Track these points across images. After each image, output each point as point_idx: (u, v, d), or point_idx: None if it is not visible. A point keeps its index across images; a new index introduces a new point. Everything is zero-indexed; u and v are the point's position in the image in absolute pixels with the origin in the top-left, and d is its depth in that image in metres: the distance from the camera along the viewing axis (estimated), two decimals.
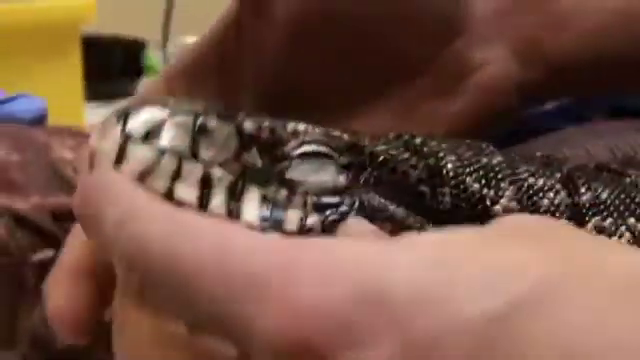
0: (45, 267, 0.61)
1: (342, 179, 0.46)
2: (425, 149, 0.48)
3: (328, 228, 0.44)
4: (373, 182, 0.46)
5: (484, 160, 0.48)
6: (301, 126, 0.46)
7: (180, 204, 0.42)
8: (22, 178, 0.64)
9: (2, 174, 0.63)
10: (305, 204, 0.45)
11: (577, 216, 0.48)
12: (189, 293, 0.31)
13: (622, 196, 0.50)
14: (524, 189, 0.48)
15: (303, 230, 0.44)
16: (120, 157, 0.42)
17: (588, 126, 0.68)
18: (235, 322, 0.30)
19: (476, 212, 0.46)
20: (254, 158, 0.45)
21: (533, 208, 0.47)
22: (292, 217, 0.44)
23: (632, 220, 0.49)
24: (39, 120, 0.81)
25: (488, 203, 0.47)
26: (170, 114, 0.44)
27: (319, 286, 0.30)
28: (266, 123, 0.46)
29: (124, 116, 0.43)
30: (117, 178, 0.39)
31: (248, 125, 0.45)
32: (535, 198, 0.47)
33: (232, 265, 0.31)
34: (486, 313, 0.28)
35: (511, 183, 0.47)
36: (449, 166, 0.47)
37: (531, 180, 0.48)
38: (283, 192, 0.45)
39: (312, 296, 0.29)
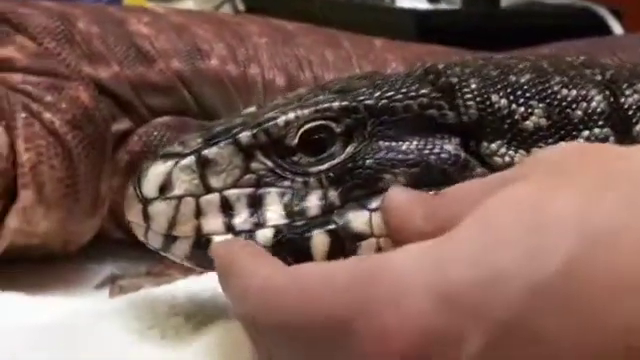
0: (122, 137, 0.63)
1: (349, 148, 0.48)
2: (446, 74, 0.49)
3: (347, 196, 0.47)
4: (378, 132, 0.48)
5: (512, 78, 0.49)
6: (291, 114, 0.48)
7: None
8: (103, 49, 0.66)
9: (85, 44, 0.65)
10: (321, 182, 0.47)
11: (620, 121, 0.49)
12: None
13: None
14: (555, 104, 0.48)
15: (326, 209, 0.47)
16: (146, 219, 0.47)
17: None
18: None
19: (504, 126, 0.48)
20: (263, 163, 0.48)
21: (566, 121, 0.48)
22: (313, 200, 0.47)
23: None
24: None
25: (517, 118, 0.48)
26: (174, 163, 0.48)
27: (396, 309, 0.32)
28: (258, 128, 0.48)
29: (137, 181, 0.47)
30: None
31: (244, 138, 0.48)
32: (568, 110, 0.48)
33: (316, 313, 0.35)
34: (538, 283, 0.31)
35: (541, 100, 0.48)
36: (472, 86, 0.48)
37: (564, 92, 0.49)
38: (299, 180, 0.48)
39: (394, 320, 0.32)
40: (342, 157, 0.47)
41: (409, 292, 0.32)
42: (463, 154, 0.48)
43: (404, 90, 0.49)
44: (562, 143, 0.47)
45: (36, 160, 0.58)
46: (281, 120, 0.48)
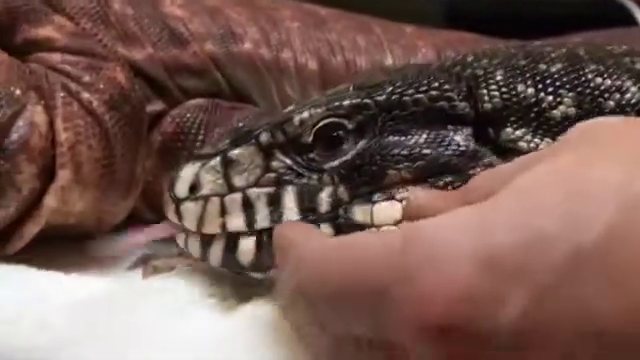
0: (155, 119, 0.64)
1: (360, 144, 0.49)
2: (472, 66, 0.50)
3: (355, 192, 0.48)
4: (389, 127, 0.49)
5: (542, 67, 0.49)
6: (305, 113, 0.50)
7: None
8: (137, 30, 0.66)
9: (119, 26, 0.65)
10: (333, 179, 0.49)
11: None
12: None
13: None
14: (587, 92, 0.48)
15: (335, 204, 0.49)
16: (179, 217, 0.51)
17: None
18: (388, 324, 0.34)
19: (530, 114, 0.48)
20: (282, 161, 0.50)
21: (597, 110, 0.48)
22: (324, 197, 0.49)
23: None
24: None
25: (545, 106, 0.48)
26: (201, 165, 0.51)
27: (436, 274, 0.33)
28: (275, 127, 0.50)
29: (171, 182, 0.51)
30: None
31: (263, 138, 0.50)
32: (600, 99, 0.48)
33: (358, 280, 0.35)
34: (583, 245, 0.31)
35: (571, 89, 0.49)
36: (498, 77, 0.49)
37: (598, 80, 0.49)
38: (314, 177, 0.49)
39: (433, 285, 0.33)
40: (352, 153, 0.49)
41: (449, 257, 0.33)
42: (472, 144, 0.48)
43: (415, 84, 0.49)
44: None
45: (74, 140, 0.58)
46: (296, 119, 0.50)
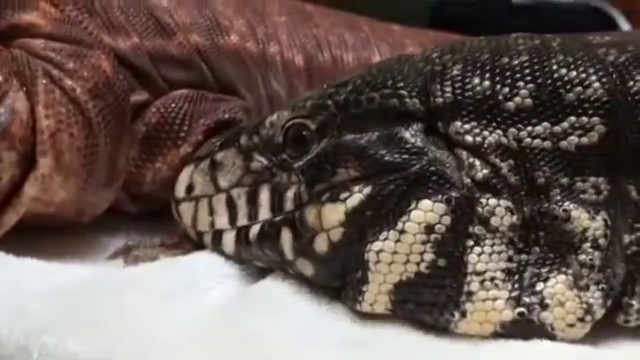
0: (139, 109, 0.63)
1: (322, 144, 0.51)
2: (434, 62, 0.51)
3: (311, 191, 0.50)
4: (347, 126, 0.50)
5: (504, 60, 0.49)
6: (275, 115, 0.52)
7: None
8: (122, 19, 0.65)
9: (105, 14, 0.64)
10: (298, 178, 0.51)
11: (622, 106, 0.48)
12: None
13: None
14: (547, 84, 0.48)
15: (298, 204, 0.50)
16: (179, 216, 0.55)
17: None
18: None
19: (483, 107, 0.48)
20: (260, 162, 0.52)
21: (556, 102, 0.48)
22: (289, 195, 0.51)
23: None
24: None
25: (500, 98, 0.48)
26: (194, 166, 0.55)
27: None
28: (253, 130, 0.53)
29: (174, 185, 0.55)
30: None
31: (242, 140, 0.53)
32: (560, 91, 0.48)
33: None
34: None
35: (530, 81, 0.48)
36: (455, 72, 0.49)
37: (562, 72, 0.48)
38: (285, 176, 0.51)
39: None
40: (314, 153, 0.50)
41: None
42: (419, 141, 0.49)
43: (372, 82, 0.51)
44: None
45: (55, 128, 0.57)
46: (267, 121, 0.52)
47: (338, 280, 0.49)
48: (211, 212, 0.53)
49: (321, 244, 0.49)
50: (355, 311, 0.49)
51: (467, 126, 0.49)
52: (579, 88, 0.48)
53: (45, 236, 0.59)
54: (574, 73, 0.48)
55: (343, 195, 0.49)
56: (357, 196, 0.48)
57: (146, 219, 0.64)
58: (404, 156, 0.48)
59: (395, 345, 0.46)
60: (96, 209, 0.60)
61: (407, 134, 0.49)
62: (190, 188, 0.55)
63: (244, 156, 0.53)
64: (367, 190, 0.48)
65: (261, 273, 0.53)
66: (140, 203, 0.65)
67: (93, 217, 0.61)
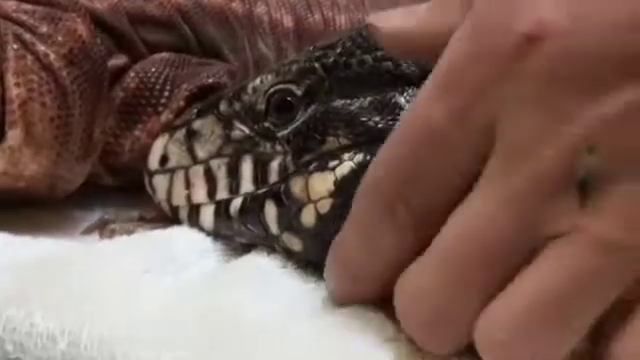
0: (117, 74, 0.59)
1: (309, 110, 0.48)
2: None
3: (298, 161, 0.47)
4: (336, 91, 0.48)
5: None
6: (257, 80, 0.49)
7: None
8: None
9: None
10: (284, 147, 0.48)
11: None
12: None
13: None
14: None
15: (283, 175, 0.47)
16: (153, 189, 0.51)
17: None
18: None
19: None
20: (241, 130, 0.49)
21: None
22: (274, 166, 0.48)
23: None
24: None
25: None
26: (169, 136, 0.51)
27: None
28: (234, 96, 0.50)
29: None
30: None
31: (222, 107, 0.50)
32: None
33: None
34: None
35: None
36: None
37: None
38: (268, 145, 0.48)
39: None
40: (301, 120, 0.48)
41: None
42: None
43: (364, 44, 0.48)
44: None
45: (26, 97, 0.53)
46: (250, 86, 0.49)
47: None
48: (188, 185, 0.50)
49: (308, 217, 0.46)
50: None
51: None
52: None
53: (16, 209, 0.56)
54: None
55: (332, 164, 0.46)
56: (347, 164, 0.45)
57: (124, 192, 0.61)
58: (399, 123, 0.46)
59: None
60: (70, 184, 0.57)
61: (402, 99, 0.46)
62: (164, 159, 0.51)
63: (224, 124, 0.50)
64: (358, 158, 0.45)
65: (244, 249, 0.50)
66: (118, 175, 0.61)
67: (67, 192, 0.57)
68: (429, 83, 0.36)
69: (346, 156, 0.46)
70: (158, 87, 0.61)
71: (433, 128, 0.35)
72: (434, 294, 0.36)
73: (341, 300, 0.42)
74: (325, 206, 0.46)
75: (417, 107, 0.37)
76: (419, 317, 0.37)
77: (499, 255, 0.34)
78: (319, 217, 0.46)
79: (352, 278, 0.40)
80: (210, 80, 0.62)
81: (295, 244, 0.47)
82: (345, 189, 0.45)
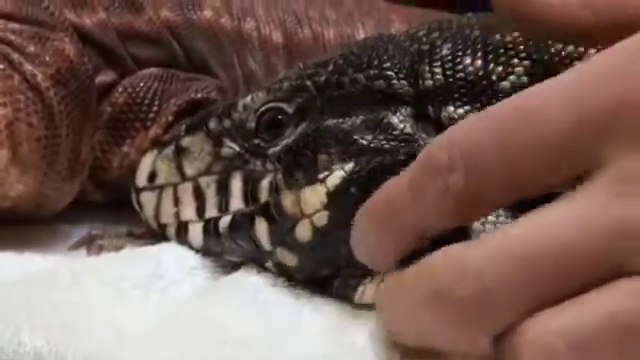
0: (105, 90, 0.59)
1: (300, 128, 0.48)
2: (421, 41, 0.48)
3: (290, 179, 0.47)
4: (328, 109, 0.47)
5: (496, 37, 0.46)
6: (248, 98, 0.49)
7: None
8: None
9: None
10: (275, 165, 0.48)
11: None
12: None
13: None
14: (545, 60, 0.46)
15: (274, 193, 0.47)
16: (140, 206, 0.51)
17: None
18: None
19: (475, 89, 0.46)
20: (231, 147, 0.49)
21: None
22: (264, 184, 0.48)
23: None
24: None
25: (493, 78, 0.46)
26: (157, 153, 0.51)
27: None
28: (224, 113, 0.49)
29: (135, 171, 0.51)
30: None
31: (212, 124, 0.49)
32: (559, 66, 0.45)
33: None
34: None
35: (526, 57, 0.46)
36: (444, 51, 0.47)
37: (558, 47, 0.46)
38: (259, 163, 0.48)
39: None
40: (292, 138, 0.47)
41: None
42: (409, 126, 0.46)
43: (356, 62, 0.48)
44: None
45: (13, 117, 0.53)
46: (240, 104, 0.49)
47: (327, 268, 0.46)
48: (176, 202, 0.50)
49: (303, 231, 0.46)
50: (338, 304, 0.46)
51: (460, 110, 0.46)
52: (577, 63, 0.44)
53: (2, 225, 0.56)
54: (571, 47, 0.46)
55: (321, 175, 0.45)
56: (338, 174, 0.45)
57: (112, 208, 0.61)
58: (392, 143, 0.46)
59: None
60: (57, 204, 0.57)
61: (395, 119, 0.46)
62: (152, 176, 0.51)
63: (214, 141, 0.49)
64: (349, 167, 0.45)
65: (234, 266, 0.50)
66: (106, 191, 0.62)
67: (54, 212, 0.57)
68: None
69: (336, 166, 0.45)
70: (146, 102, 0.61)
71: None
72: (489, 278, 0.34)
73: (383, 264, 0.39)
74: (321, 219, 0.45)
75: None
76: (462, 292, 0.34)
77: (581, 264, 0.33)
78: (315, 230, 0.45)
79: (397, 230, 0.38)
80: (199, 95, 0.62)
81: (289, 260, 0.47)
82: (338, 199, 0.45)
